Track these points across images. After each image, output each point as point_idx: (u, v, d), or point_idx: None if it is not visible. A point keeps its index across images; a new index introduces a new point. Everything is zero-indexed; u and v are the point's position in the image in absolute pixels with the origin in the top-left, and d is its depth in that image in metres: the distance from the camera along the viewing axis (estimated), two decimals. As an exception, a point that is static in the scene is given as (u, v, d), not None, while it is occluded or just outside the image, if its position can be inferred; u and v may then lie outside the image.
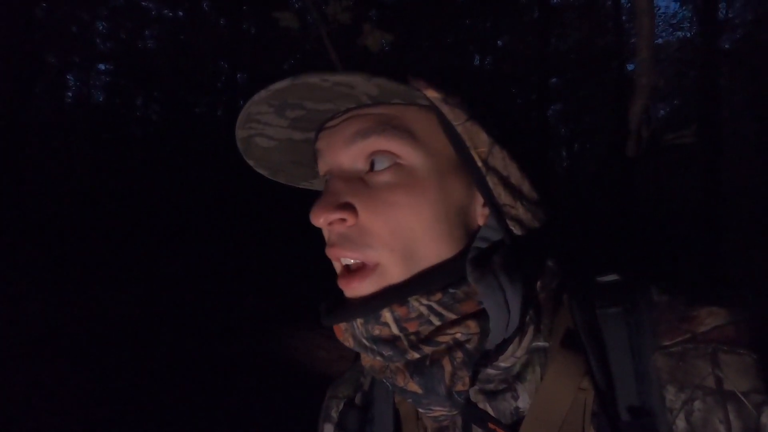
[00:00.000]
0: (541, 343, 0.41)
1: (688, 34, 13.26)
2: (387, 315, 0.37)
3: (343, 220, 0.38)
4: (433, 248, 0.37)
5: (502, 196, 0.38)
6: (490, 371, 0.41)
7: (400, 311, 0.36)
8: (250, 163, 0.46)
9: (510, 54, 13.30)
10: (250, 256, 7.72)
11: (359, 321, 0.38)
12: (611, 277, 0.45)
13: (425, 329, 0.37)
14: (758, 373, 0.35)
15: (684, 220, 8.66)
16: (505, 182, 0.38)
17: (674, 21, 13.86)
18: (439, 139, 0.38)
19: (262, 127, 0.41)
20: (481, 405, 0.41)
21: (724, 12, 11.11)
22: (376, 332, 0.37)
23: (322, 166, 0.42)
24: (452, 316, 0.36)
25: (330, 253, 0.40)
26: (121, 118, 12.34)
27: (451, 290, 0.36)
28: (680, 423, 0.36)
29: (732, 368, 0.36)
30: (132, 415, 2.98)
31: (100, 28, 12.48)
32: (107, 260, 6.95)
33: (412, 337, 0.37)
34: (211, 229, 8.68)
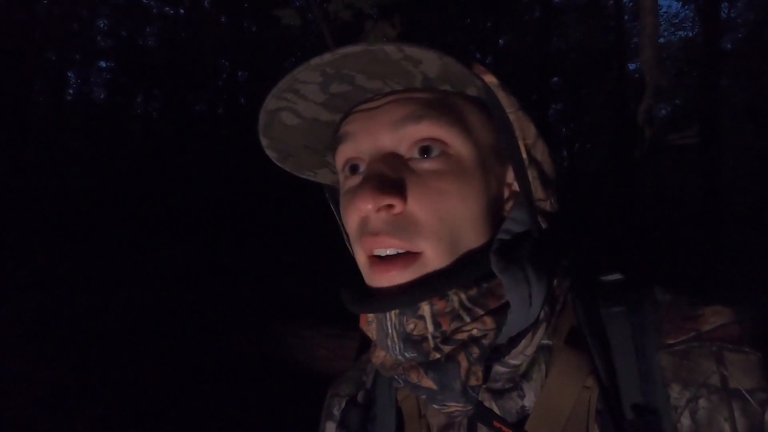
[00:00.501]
0: (545, 342, 0.41)
1: (690, 34, 13.27)
2: (426, 308, 0.36)
3: (391, 206, 0.36)
4: (472, 239, 0.37)
5: (539, 191, 0.38)
6: (500, 368, 0.41)
7: (440, 305, 0.36)
8: (264, 142, 0.42)
9: (511, 53, 13.29)
10: (250, 254, 7.72)
11: (394, 313, 0.36)
12: (615, 277, 0.45)
13: (454, 326, 0.36)
14: (763, 372, 0.35)
15: (684, 220, 8.66)
16: (543, 176, 0.38)
17: (676, 21, 13.89)
18: (483, 129, 0.39)
19: (296, 100, 0.38)
20: (486, 403, 0.41)
21: (726, 12, 11.10)
22: (410, 327, 0.36)
23: (349, 151, 0.40)
24: (479, 312, 0.36)
25: (371, 242, 0.37)
26: (122, 115, 12.33)
27: (483, 284, 0.36)
28: (685, 421, 0.35)
29: (737, 366, 0.35)
30: (131, 414, 2.98)
31: (101, 25, 12.50)
32: (107, 258, 6.95)
33: (438, 338, 0.36)
34: (211, 227, 8.68)
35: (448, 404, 0.38)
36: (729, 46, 11.47)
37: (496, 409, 0.41)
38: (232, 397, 3.28)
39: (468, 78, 0.36)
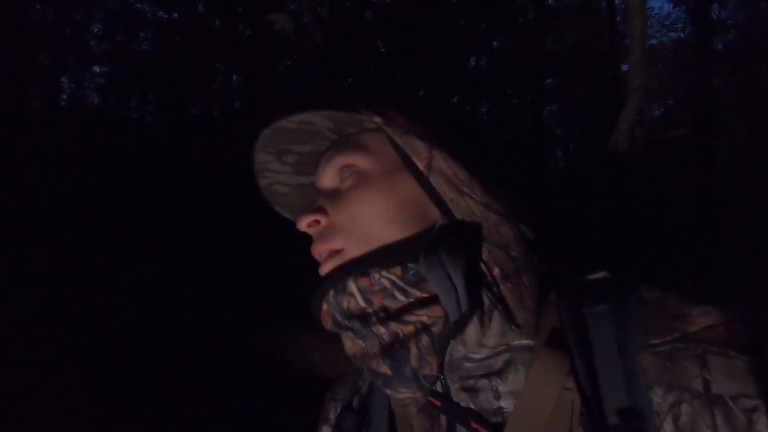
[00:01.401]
0: (525, 342, 0.41)
1: (682, 35, 13.36)
2: (352, 285, 0.41)
3: (317, 221, 0.45)
4: (388, 232, 0.42)
5: (447, 192, 0.42)
6: (467, 365, 0.41)
7: (363, 282, 0.41)
8: (277, 209, 0.55)
9: (506, 55, 13.34)
10: (247, 257, 7.70)
11: (331, 295, 0.42)
12: (600, 275, 0.45)
13: (391, 304, 0.40)
14: (748, 377, 0.34)
15: (679, 220, 8.70)
16: (450, 180, 0.42)
17: (668, 22, 13.98)
18: (387, 149, 0.46)
19: (274, 175, 0.51)
20: (464, 404, 0.41)
21: (717, 13, 11.20)
22: (345, 304, 0.42)
23: (318, 185, 0.49)
24: (417, 293, 0.40)
25: (312, 251, 0.46)
26: (116, 120, 12.27)
27: (410, 265, 0.40)
28: (668, 427, 0.35)
29: (721, 371, 0.35)
30: (128, 416, 2.97)
31: (95, 29, 12.44)
32: (102, 262, 6.92)
33: (381, 313, 0.41)
34: (207, 230, 8.65)
35: (400, 390, 0.41)
36: (720, 46, 11.56)
37: (472, 407, 0.41)
38: (229, 401, 3.27)
39: (357, 120, 0.46)
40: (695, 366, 0.35)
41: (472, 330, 0.40)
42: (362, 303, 0.41)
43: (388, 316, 0.40)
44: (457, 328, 0.40)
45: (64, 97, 13.20)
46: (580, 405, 0.37)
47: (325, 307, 0.44)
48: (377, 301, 0.41)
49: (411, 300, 0.40)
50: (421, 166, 0.43)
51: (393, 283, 0.40)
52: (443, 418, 0.43)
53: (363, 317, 0.41)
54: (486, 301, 0.40)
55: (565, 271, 0.45)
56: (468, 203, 0.42)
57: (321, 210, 0.46)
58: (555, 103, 14.81)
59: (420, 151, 0.43)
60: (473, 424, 0.39)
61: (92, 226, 7.97)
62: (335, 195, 0.46)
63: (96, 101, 13.05)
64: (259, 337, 4.63)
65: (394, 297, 0.40)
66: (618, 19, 9.97)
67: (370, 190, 0.44)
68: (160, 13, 12.54)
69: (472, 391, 0.41)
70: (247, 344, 4.46)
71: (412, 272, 0.40)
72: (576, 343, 0.39)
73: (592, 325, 0.40)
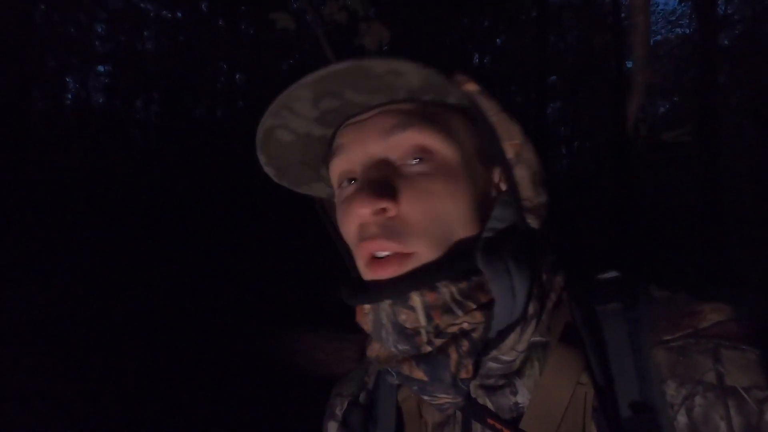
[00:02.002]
0: (539, 339, 0.42)
1: (687, 31, 13.26)
2: (416, 299, 0.37)
3: (385, 209, 0.38)
4: (462, 235, 0.39)
5: (527, 189, 0.39)
6: (492, 365, 0.41)
7: (430, 297, 0.37)
8: (262, 159, 0.44)
9: (509, 53, 13.28)
10: (248, 257, 7.72)
11: (387, 303, 0.38)
12: (611, 274, 0.45)
13: (446, 320, 0.37)
14: (760, 370, 0.35)
15: (683, 218, 8.65)
16: (532, 175, 0.39)
17: (673, 18, 13.87)
18: (466, 134, 0.41)
19: (290, 117, 0.41)
20: (480, 400, 0.42)
21: (723, 9, 11.10)
22: (402, 317, 0.37)
23: (342, 164, 0.42)
24: (471, 306, 0.37)
25: (369, 246, 0.39)
26: (120, 120, 12.32)
27: (473, 278, 0.37)
28: (681, 419, 0.35)
29: (734, 364, 0.35)
30: (129, 415, 2.98)
31: (99, 30, 12.48)
32: (106, 262, 6.95)
33: (431, 332, 0.37)
34: (210, 230, 8.67)
35: (438, 396, 0.39)
36: (726, 42, 11.46)
37: (490, 406, 0.41)
38: (231, 400, 3.27)
39: (448, 87, 0.38)
40: (708, 360, 0.36)
41: (512, 337, 0.40)
42: (422, 320, 0.37)
43: (437, 334, 0.37)
44: (500, 335, 0.40)
45: (69, 97, 13.27)
46: (592, 400, 0.37)
47: (368, 307, 0.40)
48: (437, 318, 0.37)
49: (463, 312, 0.37)
50: (511, 153, 0.39)
51: (453, 297, 0.37)
52: (458, 414, 0.43)
53: (414, 339, 0.37)
54: (531, 310, 0.40)
55: (575, 269, 0.46)
56: (535, 204, 0.40)
57: (391, 197, 0.38)
58: (558, 101, 14.74)
59: (514, 135, 0.39)
60: (489, 421, 0.40)
61: (96, 226, 8.01)
62: (400, 178, 0.39)
63: (100, 101, 13.09)
64: (261, 335, 4.64)
65: (452, 312, 0.37)
66: (622, 16, 9.91)
67: (454, 186, 0.39)
68: (164, 12, 12.56)
69: (490, 388, 0.42)
70: (248, 342, 4.47)
71: (471, 283, 0.37)
72: (589, 339, 0.39)
73: (604, 322, 0.41)
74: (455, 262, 0.38)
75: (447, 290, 0.37)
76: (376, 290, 0.38)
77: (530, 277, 0.38)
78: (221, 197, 9.19)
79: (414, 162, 0.39)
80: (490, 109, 0.38)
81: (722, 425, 0.34)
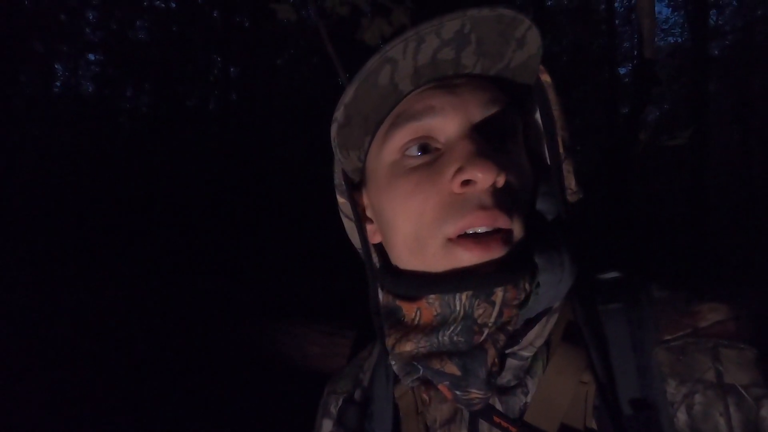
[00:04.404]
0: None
1: (680, 40, 13.46)
2: (499, 294, 0.35)
3: (503, 181, 0.37)
4: (531, 219, 0.39)
5: (573, 183, 0.40)
6: (512, 361, 0.41)
7: (512, 293, 0.35)
8: (348, 95, 0.38)
9: (504, 54, 13.33)
10: (242, 250, 7.66)
11: (465, 294, 0.35)
12: (612, 274, 0.46)
13: (508, 316, 0.36)
14: (758, 368, 0.36)
15: (671, 220, 8.81)
16: (576, 170, 0.41)
17: (666, 26, 14.05)
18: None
19: (409, 53, 0.37)
20: (489, 399, 0.41)
21: (714, 19, 11.28)
22: (479, 311, 0.35)
23: (428, 125, 0.38)
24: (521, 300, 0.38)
25: (482, 218, 0.35)
26: (111, 109, 12.12)
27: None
28: (681, 416, 0.36)
29: (732, 362, 0.36)
30: (121, 409, 2.95)
31: (90, 16, 12.24)
32: (94, 254, 6.84)
33: (492, 330, 0.36)
34: (202, 222, 8.59)
35: (470, 390, 0.38)
36: (716, 52, 11.66)
37: (498, 405, 0.41)
38: (224, 394, 3.25)
39: (533, 73, 0.39)
40: (708, 358, 0.37)
41: (536, 329, 0.40)
42: (494, 316, 0.36)
43: (498, 329, 0.36)
44: (526, 325, 0.40)
45: (58, 84, 13.02)
46: (594, 398, 0.38)
47: (434, 297, 0.37)
48: (506, 315, 0.36)
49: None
50: (562, 147, 0.40)
51: (526, 291, 0.36)
52: (465, 411, 0.43)
53: (478, 331, 0.36)
54: (557, 303, 0.41)
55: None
56: (575, 198, 0.41)
57: (505, 167, 0.36)
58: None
59: (566, 132, 0.40)
60: (496, 419, 0.40)
61: (85, 217, 7.88)
62: (502, 151, 0.38)
63: (90, 89, 12.87)
64: (255, 330, 4.61)
65: (518, 310, 0.37)
66: (616, 21, 10.01)
67: (528, 167, 0.39)
68: (157, 1, 12.38)
69: (501, 388, 0.42)
70: (242, 337, 4.44)
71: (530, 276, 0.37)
72: (591, 338, 0.40)
73: (606, 321, 0.41)
74: (529, 253, 0.36)
75: (524, 284, 0.36)
76: (456, 280, 0.35)
77: (576, 271, 0.39)
78: (213, 189, 9.10)
79: (506, 139, 0.39)
80: (556, 103, 0.40)
81: (721, 422, 0.35)
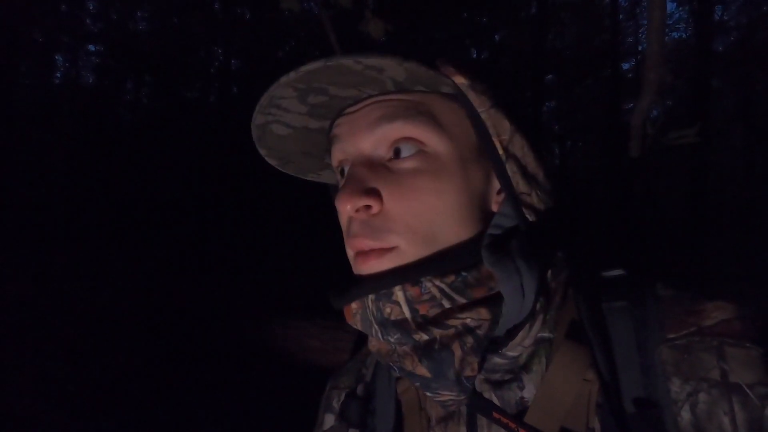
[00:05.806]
0: (546, 334, 0.42)
1: (684, 35, 13.40)
2: (399, 294, 0.37)
3: (369, 207, 0.38)
4: (452, 232, 0.38)
5: (520, 185, 0.39)
6: (498, 360, 0.42)
7: (413, 291, 0.37)
8: (262, 152, 0.45)
9: (506, 49, 13.30)
10: (243, 244, 7.67)
11: (371, 299, 0.38)
12: (617, 272, 0.46)
13: (434, 312, 0.37)
14: (764, 367, 0.36)
15: (672, 220, 8.81)
16: (524, 170, 0.39)
17: (670, 22, 13.98)
18: (460, 127, 0.39)
19: (280, 113, 0.40)
20: (486, 394, 0.42)
21: (719, 15, 11.20)
22: (387, 311, 0.37)
23: (338, 154, 0.41)
24: (462, 301, 0.37)
25: (351, 243, 0.39)
26: (110, 101, 12.09)
27: (463, 273, 0.37)
28: (685, 414, 0.36)
29: (737, 361, 0.36)
30: (123, 404, 2.96)
31: (90, 7, 12.18)
32: (94, 248, 6.85)
33: (420, 319, 0.37)
34: (202, 217, 8.59)
35: (441, 392, 0.38)
36: (720, 48, 11.61)
37: (495, 401, 0.41)
38: (226, 389, 3.27)
39: (438, 79, 0.37)
40: (712, 357, 0.37)
41: (521, 335, 0.40)
42: (407, 312, 0.37)
43: (428, 321, 0.37)
44: (509, 334, 0.40)
45: (58, 75, 12.98)
46: (596, 396, 0.38)
47: (355, 306, 0.40)
48: (423, 310, 0.37)
49: (455, 306, 0.37)
50: (500, 150, 0.38)
51: (442, 291, 0.37)
52: (464, 407, 0.43)
53: (402, 325, 0.37)
54: (538, 306, 0.40)
55: (581, 266, 0.46)
56: (534, 199, 0.39)
57: (375, 194, 0.37)
58: (554, 100, 14.82)
59: (503, 131, 0.38)
60: (495, 415, 0.40)
61: (85, 210, 7.88)
62: (387, 174, 0.38)
63: (90, 80, 12.83)
64: (256, 324, 4.63)
65: (441, 306, 0.37)
66: (620, 16, 9.96)
67: (442, 181, 0.37)
68: (158, -8, 12.30)
69: (496, 383, 0.42)
70: (243, 332, 4.46)
71: (461, 279, 0.37)
72: (595, 336, 0.40)
73: (610, 320, 0.41)
74: (444, 259, 0.37)
75: (432, 285, 0.37)
76: (357, 287, 0.38)
77: (538, 275, 0.38)
78: (212, 185, 9.10)
79: (403, 156, 0.38)
80: (481, 104, 0.37)
81: (726, 421, 0.35)
